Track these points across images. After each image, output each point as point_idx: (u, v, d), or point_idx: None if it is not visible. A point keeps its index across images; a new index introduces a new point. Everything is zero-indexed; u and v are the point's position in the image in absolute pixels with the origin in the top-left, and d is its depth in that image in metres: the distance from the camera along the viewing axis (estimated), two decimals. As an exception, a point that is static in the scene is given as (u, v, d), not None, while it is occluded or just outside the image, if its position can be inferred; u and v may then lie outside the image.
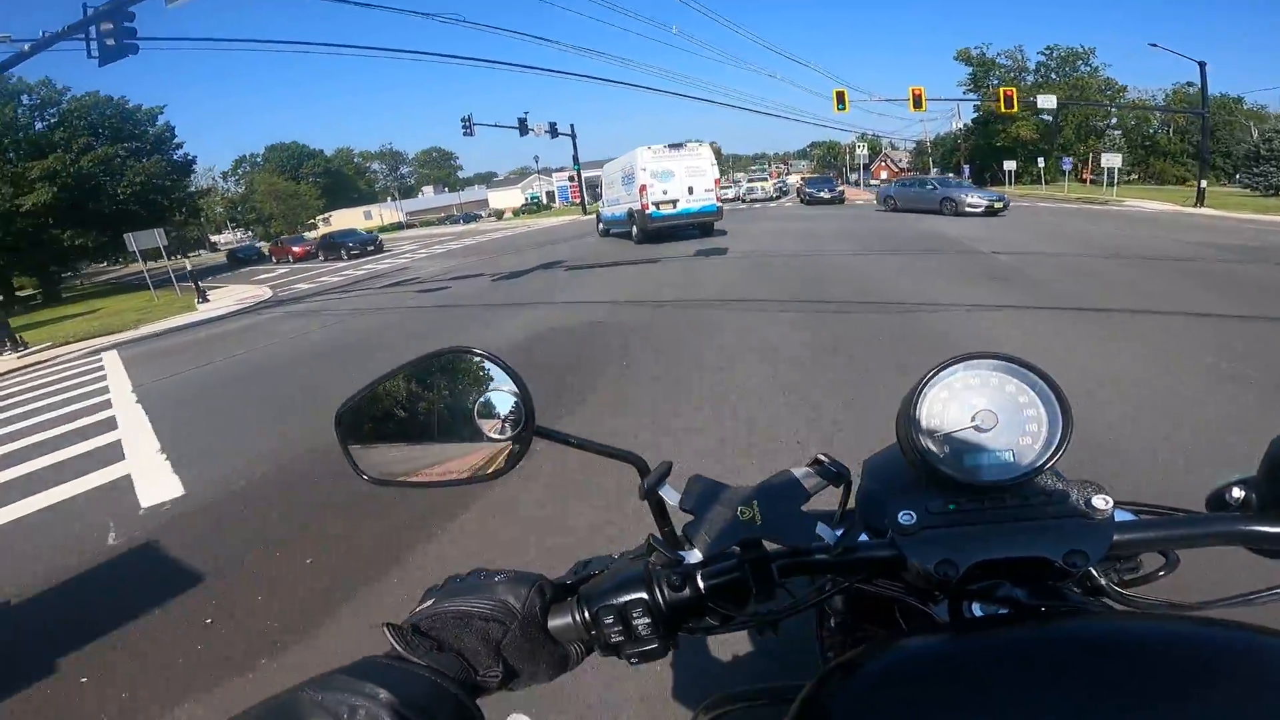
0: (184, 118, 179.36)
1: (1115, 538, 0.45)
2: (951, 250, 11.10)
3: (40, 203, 30.26)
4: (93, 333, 13.71)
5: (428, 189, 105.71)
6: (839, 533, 0.51)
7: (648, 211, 15.50)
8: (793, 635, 0.63)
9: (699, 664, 1.76)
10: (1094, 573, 0.51)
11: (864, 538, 0.53)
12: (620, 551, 0.58)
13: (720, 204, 16.68)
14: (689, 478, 0.55)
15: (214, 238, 73.15)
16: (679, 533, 0.55)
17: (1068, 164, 33.75)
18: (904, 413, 0.52)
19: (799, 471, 0.53)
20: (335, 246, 29.49)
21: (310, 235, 36.82)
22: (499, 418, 0.54)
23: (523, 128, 29.86)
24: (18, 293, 35.43)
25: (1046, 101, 28.68)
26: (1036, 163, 35.17)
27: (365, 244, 29.13)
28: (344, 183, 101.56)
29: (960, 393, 0.52)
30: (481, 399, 0.54)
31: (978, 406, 0.51)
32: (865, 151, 37.80)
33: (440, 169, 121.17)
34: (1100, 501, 0.46)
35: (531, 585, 0.51)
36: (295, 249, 32.73)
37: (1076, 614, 0.47)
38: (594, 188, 19.42)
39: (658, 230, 15.88)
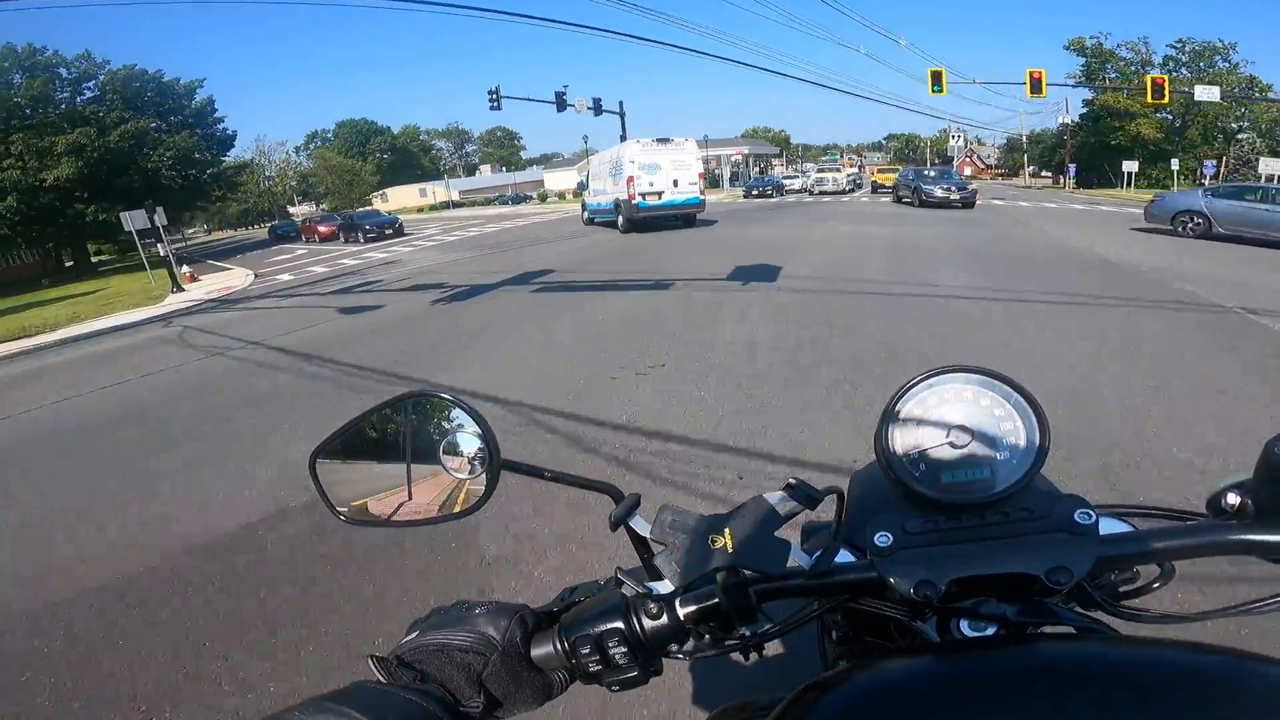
0: (261, 95, 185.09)
1: (1101, 552, 0.44)
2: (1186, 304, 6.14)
3: (64, 176, 28.69)
4: (13, 333, 11.57)
5: (485, 169, 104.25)
6: (814, 557, 0.50)
7: (634, 202, 15.96)
8: (810, 641, 0.66)
9: (704, 676, 1.68)
10: (1086, 586, 0.49)
11: (847, 557, 0.51)
12: (608, 578, 0.56)
13: (703, 197, 17.24)
14: (659, 507, 0.53)
15: (292, 209, 73.55)
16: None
17: (1210, 168, 27.65)
18: (879, 430, 0.51)
19: (773, 497, 0.52)
20: (354, 228, 27.02)
21: (345, 213, 34.84)
22: (466, 456, 0.55)
23: (560, 102, 26.10)
24: (66, 264, 34.89)
25: (1206, 93, 22.79)
26: (1160, 163, 29.08)
27: (383, 226, 26.40)
28: (409, 160, 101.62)
29: (935, 408, 0.51)
30: (448, 439, 0.55)
31: (953, 422, 0.50)
32: (962, 143, 32.20)
33: (503, 149, 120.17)
34: (1082, 516, 0.46)
35: (512, 616, 0.51)
36: (320, 229, 30.55)
37: (1062, 636, 0.46)
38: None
39: (643, 220, 16.41)
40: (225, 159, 40.88)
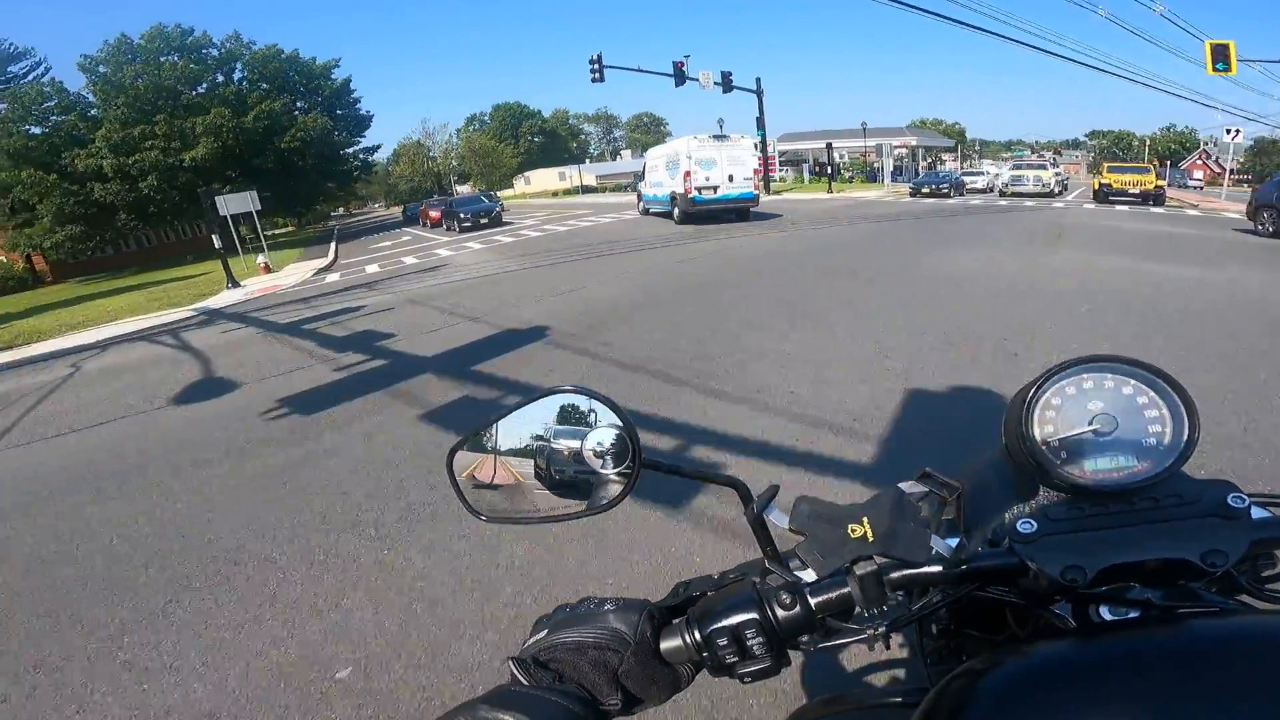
0: (424, 78, 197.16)
1: (1255, 535, 0.44)
2: None
3: (199, 157, 28.86)
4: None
5: (627, 153, 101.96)
6: (952, 544, 0.50)
7: (690, 195, 16.48)
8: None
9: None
10: (1232, 571, 0.47)
11: (979, 546, 0.50)
12: (719, 571, 0.57)
13: (758, 192, 17.66)
14: (795, 498, 0.53)
15: (460, 188, 76.10)
16: (787, 552, 0.54)
17: None
18: (1014, 418, 0.51)
19: (906, 486, 0.52)
20: (453, 215, 24.50)
21: (446, 199, 33.29)
22: (607, 453, 0.55)
23: (679, 76, 21.35)
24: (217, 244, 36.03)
25: None
26: None
27: (479, 214, 23.53)
28: (557, 143, 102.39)
29: (1075, 397, 0.51)
30: (590, 435, 0.55)
31: (1095, 410, 0.50)
32: (1239, 139, 23.13)
33: (649, 134, 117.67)
34: (1235, 500, 0.46)
35: (641, 612, 0.51)
36: (431, 214, 28.62)
37: (1217, 613, 0.44)
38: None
39: (698, 213, 16.69)
40: (361, 139, 40.77)
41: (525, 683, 0.45)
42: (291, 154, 32.20)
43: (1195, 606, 0.43)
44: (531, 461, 0.56)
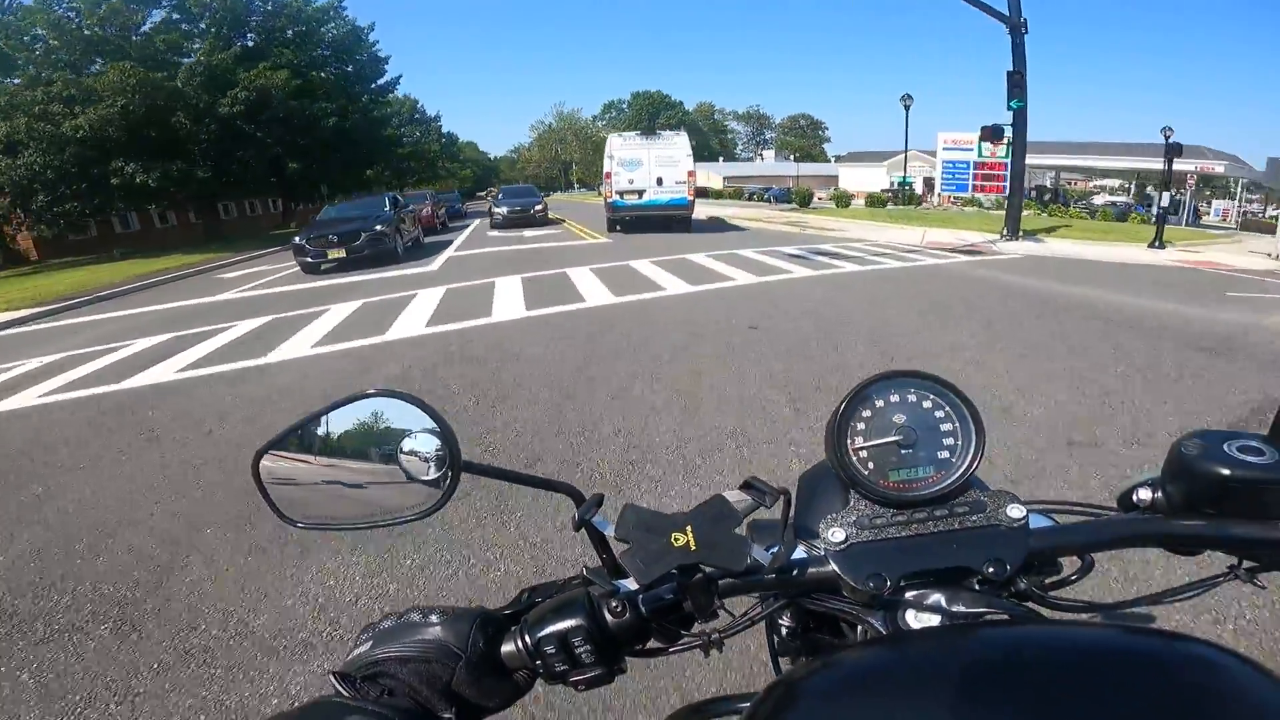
0: (572, 65, 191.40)
1: (1032, 544, 0.48)
2: None
3: (91, 124, 18.79)
4: None
5: (769, 154, 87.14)
6: (771, 552, 0.50)
7: (611, 200, 14.94)
8: (760, 643, 0.66)
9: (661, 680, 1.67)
10: (1017, 578, 0.50)
11: (801, 554, 0.52)
12: (565, 578, 0.56)
13: (692, 198, 15.00)
14: (623, 506, 0.51)
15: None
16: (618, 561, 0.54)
17: None
18: (830, 430, 0.53)
19: (731, 495, 0.52)
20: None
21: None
22: (424, 458, 0.52)
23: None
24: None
25: None
26: None
27: (370, 236, 11.86)
28: (699, 138, 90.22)
29: (883, 410, 0.53)
30: (406, 439, 0.52)
31: (900, 422, 0.52)
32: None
33: (804, 138, 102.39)
34: (1015, 510, 0.49)
35: (473, 621, 0.50)
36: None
37: (1005, 621, 0.47)
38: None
39: (621, 220, 15.09)
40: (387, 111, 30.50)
41: (349, 697, 0.42)
42: (238, 119, 22.02)
43: (988, 612, 0.46)
44: (345, 465, 0.54)
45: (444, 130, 65.29)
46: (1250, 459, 0.45)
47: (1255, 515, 0.46)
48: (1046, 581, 0.54)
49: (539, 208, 19.16)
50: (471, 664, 0.47)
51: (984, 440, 0.51)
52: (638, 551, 0.47)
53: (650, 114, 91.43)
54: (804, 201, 31.98)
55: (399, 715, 0.41)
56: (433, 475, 0.52)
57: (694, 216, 15.58)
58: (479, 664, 0.47)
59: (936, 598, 0.47)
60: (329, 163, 26.45)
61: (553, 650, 0.48)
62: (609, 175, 14.76)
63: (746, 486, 0.52)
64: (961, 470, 0.50)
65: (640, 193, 14.63)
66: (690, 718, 0.56)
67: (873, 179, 53.70)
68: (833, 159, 65.64)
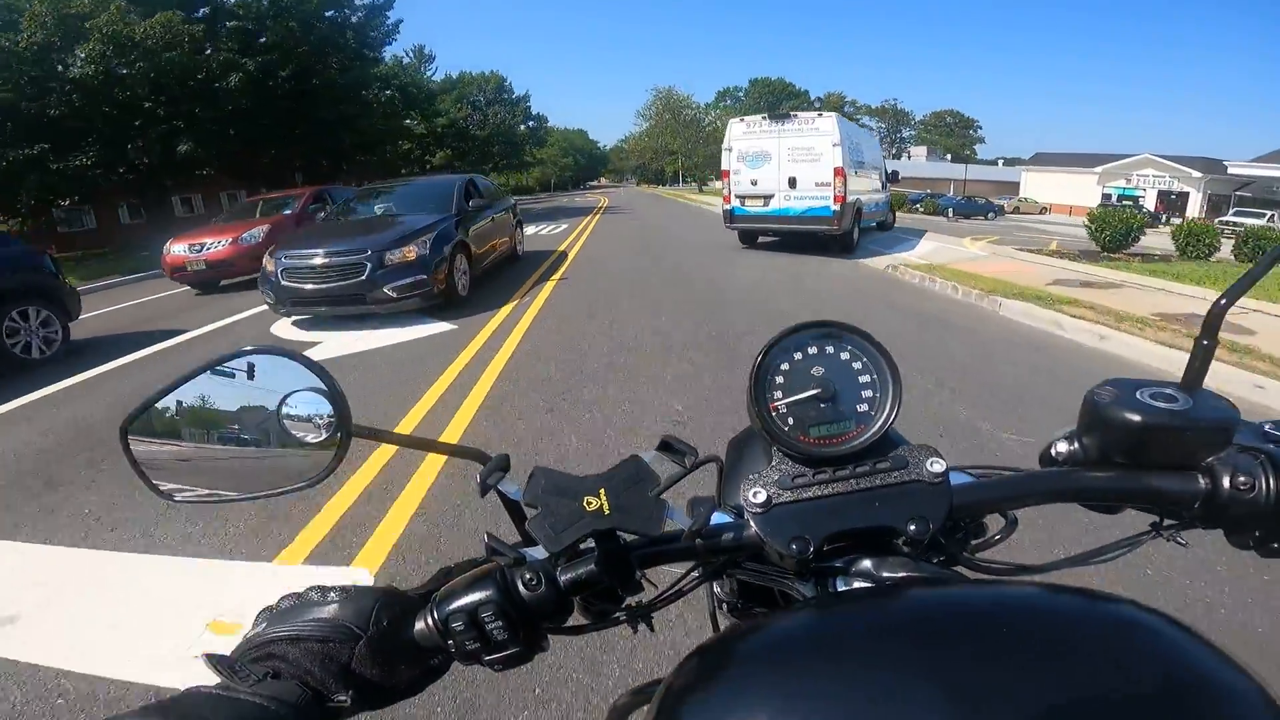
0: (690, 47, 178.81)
1: (955, 501, 0.46)
2: None
3: None
4: None
5: (920, 151, 73.11)
6: (693, 517, 0.47)
7: (729, 206, 10.54)
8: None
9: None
10: (942, 540, 0.49)
11: (726, 519, 0.49)
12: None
13: (841, 206, 9.32)
14: (533, 469, 0.49)
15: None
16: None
17: None
18: (749, 387, 0.50)
19: (647, 456, 0.49)
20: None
21: None
22: (311, 421, 0.48)
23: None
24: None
25: None
26: None
27: None
28: (826, 135, 78.57)
29: (801, 363, 0.50)
30: (289, 401, 0.48)
31: (818, 375, 0.49)
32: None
33: (950, 136, 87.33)
34: (936, 465, 0.46)
35: (377, 599, 0.46)
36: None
37: (929, 583, 0.45)
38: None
39: (742, 232, 10.95)
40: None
41: (227, 681, 0.39)
42: (97, 80, 13.91)
43: (915, 575, 0.44)
44: (223, 431, 0.49)
45: (532, 111, 56.78)
46: (1161, 405, 0.44)
47: (1171, 464, 0.45)
48: (973, 544, 0.52)
49: (400, 263, 6.00)
50: (374, 644, 0.43)
51: (901, 391, 0.48)
52: (547, 516, 0.45)
53: (771, 104, 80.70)
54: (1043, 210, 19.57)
55: (277, 701, 0.38)
56: (319, 439, 0.48)
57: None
58: (382, 644, 0.43)
59: (866, 564, 0.45)
60: (277, 140, 18.10)
61: (461, 627, 0.44)
62: (727, 173, 10.40)
63: (664, 447, 0.49)
64: (880, 422, 0.48)
65: (766, 198, 10.05)
66: (633, 699, 0.55)
67: (1077, 189, 39.89)
68: (999, 161, 51.47)
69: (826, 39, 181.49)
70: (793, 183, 9.75)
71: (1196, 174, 34.90)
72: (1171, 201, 34.87)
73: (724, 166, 10.42)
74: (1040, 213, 38.67)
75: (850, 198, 9.60)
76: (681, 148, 59.74)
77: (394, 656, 0.44)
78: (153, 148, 15.97)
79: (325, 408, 0.47)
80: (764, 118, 10.11)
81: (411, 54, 41.24)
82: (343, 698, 0.41)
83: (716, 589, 0.63)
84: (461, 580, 0.46)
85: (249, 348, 0.48)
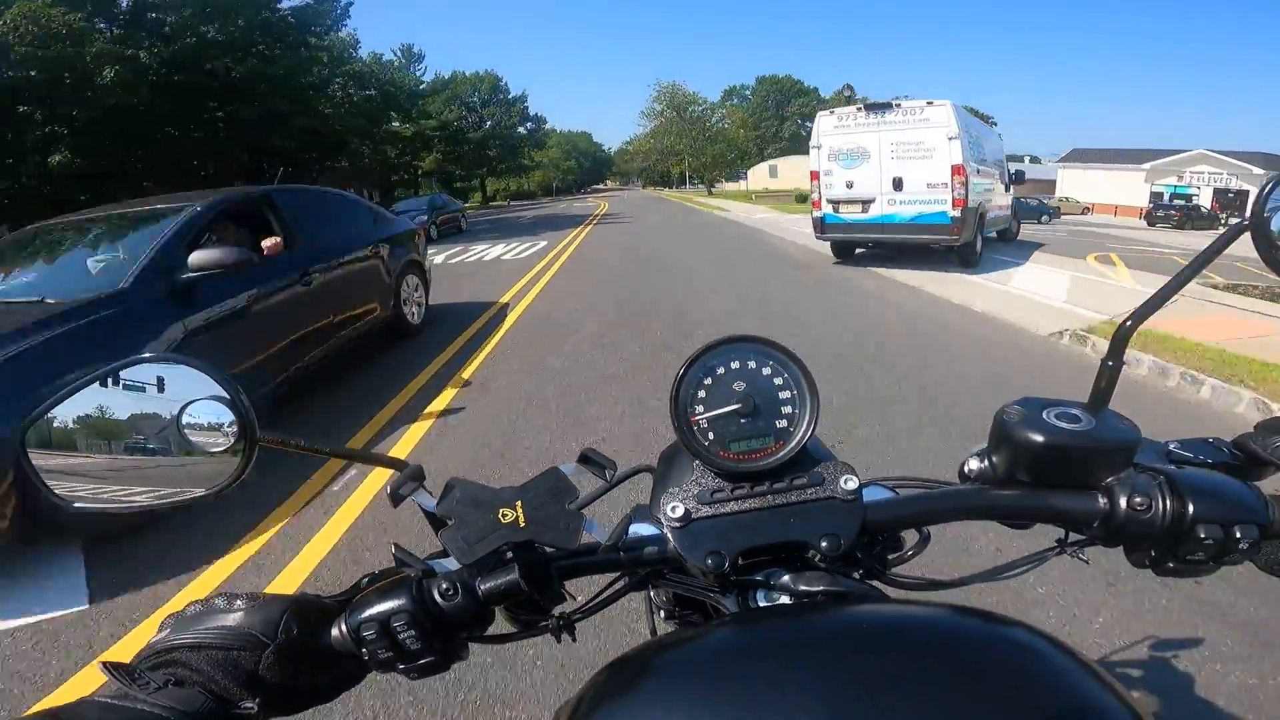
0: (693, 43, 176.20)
1: (868, 517, 0.47)
2: None
3: None
4: None
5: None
6: (604, 531, 0.49)
7: (819, 213, 8.93)
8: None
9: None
10: (859, 554, 0.50)
11: (649, 531, 0.50)
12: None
13: (961, 213, 7.72)
14: (448, 480, 0.49)
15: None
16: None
17: None
18: (670, 400, 0.50)
19: (567, 468, 0.50)
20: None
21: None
22: (213, 429, 0.47)
23: None
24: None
25: None
26: None
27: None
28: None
29: (723, 378, 0.50)
30: (190, 410, 0.47)
31: (739, 390, 0.50)
32: None
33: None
34: (849, 483, 0.47)
35: (286, 606, 0.45)
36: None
37: (841, 601, 0.46)
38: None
39: (837, 243, 9.29)
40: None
41: (125, 689, 0.38)
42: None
43: (832, 589, 0.45)
44: (125, 440, 0.48)
45: (530, 112, 54.17)
46: (1065, 425, 0.45)
47: (1073, 484, 0.46)
48: (890, 557, 0.53)
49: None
50: (282, 651, 0.42)
51: (818, 408, 0.49)
52: (460, 528, 0.45)
53: (778, 101, 77.98)
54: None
55: (175, 710, 0.37)
56: (223, 447, 0.47)
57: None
58: (292, 651, 0.43)
59: (785, 579, 0.46)
60: (203, 145, 15.33)
61: (374, 636, 0.43)
62: (815, 175, 8.72)
63: (584, 460, 0.50)
64: (799, 438, 0.48)
65: (866, 203, 8.36)
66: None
67: (1121, 187, 36.81)
68: (1025, 159, 48.51)
69: (833, 36, 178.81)
70: (898, 184, 8.13)
71: (1257, 170, 31.81)
72: (1229, 200, 31.77)
73: (812, 166, 8.89)
74: (1082, 213, 35.42)
75: (972, 201, 7.94)
76: (688, 147, 56.80)
77: (305, 664, 0.43)
78: (27, 159, 13.26)
79: (228, 416, 0.46)
80: (859, 108, 8.54)
81: (399, 52, 38.70)
82: (249, 705, 0.40)
83: (655, 597, 0.62)
84: (375, 589, 0.45)
85: (146, 355, 0.47)
